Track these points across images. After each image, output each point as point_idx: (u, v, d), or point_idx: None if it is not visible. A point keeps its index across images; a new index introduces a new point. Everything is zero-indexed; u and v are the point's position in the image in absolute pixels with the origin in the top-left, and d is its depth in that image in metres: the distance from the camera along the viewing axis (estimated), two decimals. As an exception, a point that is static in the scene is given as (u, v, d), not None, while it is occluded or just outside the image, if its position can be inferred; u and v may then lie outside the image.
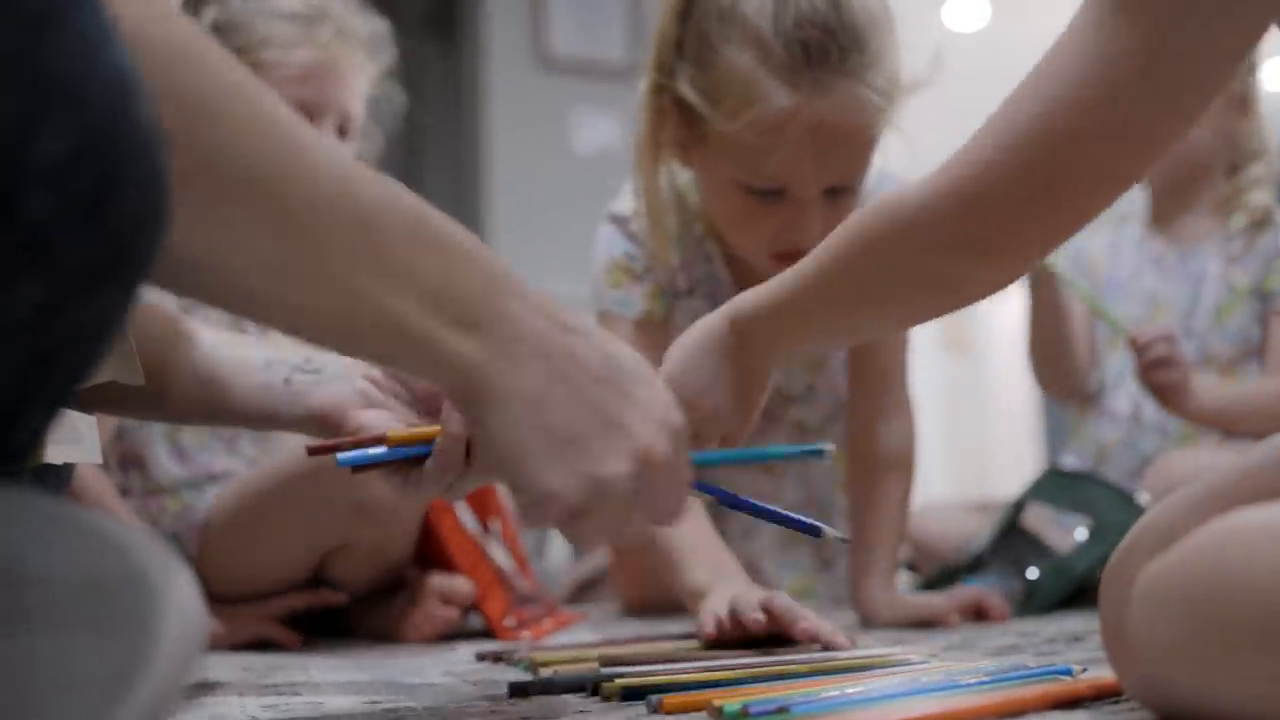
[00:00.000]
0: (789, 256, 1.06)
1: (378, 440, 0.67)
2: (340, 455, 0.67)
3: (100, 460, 0.65)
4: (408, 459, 0.67)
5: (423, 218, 0.53)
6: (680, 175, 1.17)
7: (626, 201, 1.20)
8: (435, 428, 0.66)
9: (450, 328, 0.52)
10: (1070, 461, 1.63)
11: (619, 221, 1.19)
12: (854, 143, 1.04)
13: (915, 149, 1.09)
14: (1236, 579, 0.45)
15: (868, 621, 1.12)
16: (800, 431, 1.30)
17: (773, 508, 0.77)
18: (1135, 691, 0.53)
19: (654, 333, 1.15)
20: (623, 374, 0.56)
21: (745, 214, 1.08)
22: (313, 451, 0.71)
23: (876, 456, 1.18)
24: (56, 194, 0.36)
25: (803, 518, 0.78)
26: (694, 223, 1.18)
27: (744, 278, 1.14)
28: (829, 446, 0.73)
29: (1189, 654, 0.48)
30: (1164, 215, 1.61)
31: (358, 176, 0.51)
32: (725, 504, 0.72)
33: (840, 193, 1.06)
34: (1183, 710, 0.50)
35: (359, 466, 0.67)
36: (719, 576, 0.96)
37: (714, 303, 1.15)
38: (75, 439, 0.64)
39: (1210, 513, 0.49)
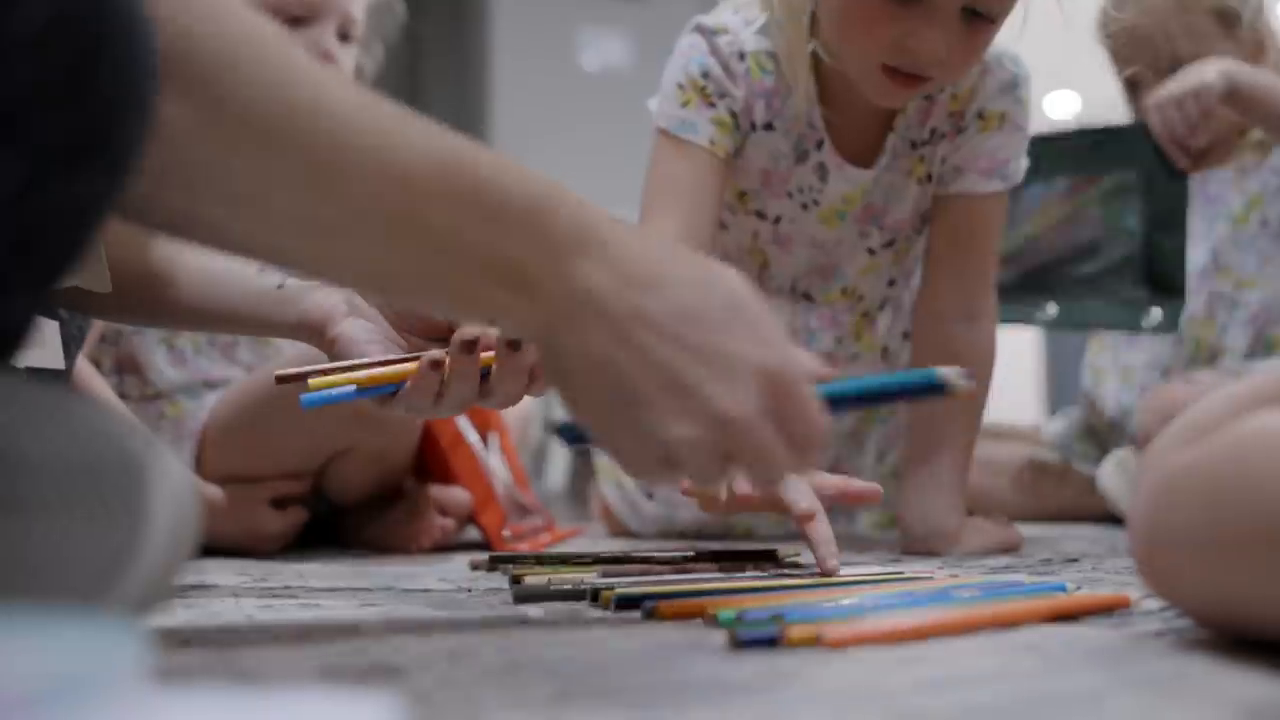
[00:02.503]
0: (901, 76, 0.96)
1: (351, 367, 0.68)
2: (304, 396, 0.67)
3: (63, 365, 0.65)
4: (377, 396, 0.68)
5: (473, 180, 0.49)
6: None
7: (718, 14, 1.07)
8: (410, 365, 0.67)
9: (500, 288, 0.50)
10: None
11: (706, 33, 1.06)
12: None
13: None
14: (1255, 478, 0.45)
15: (930, 550, 1.02)
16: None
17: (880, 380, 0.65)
18: (1151, 582, 0.53)
19: (713, 166, 1.03)
20: (702, 327, 0.51)
21: (869, 13, 0.94)
22: (281, 380, 0.71)
23: (957, 359, 1.08)
24: (35, 64, 0.35)
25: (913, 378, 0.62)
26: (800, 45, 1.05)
27: (835, 114, 1.06)
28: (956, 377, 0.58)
29: (1202, 544, 0.48)
30: None
31: (399, 133, 0.48)
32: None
33: (978, 19, 0.93)
34: (1189, 601, 0.51)
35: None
36: None
37: (795, 141, 1.07)
38: (40, 343, 0.63)
39: (1245, 412, 0.49)
